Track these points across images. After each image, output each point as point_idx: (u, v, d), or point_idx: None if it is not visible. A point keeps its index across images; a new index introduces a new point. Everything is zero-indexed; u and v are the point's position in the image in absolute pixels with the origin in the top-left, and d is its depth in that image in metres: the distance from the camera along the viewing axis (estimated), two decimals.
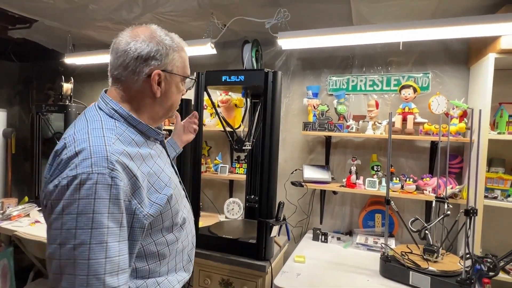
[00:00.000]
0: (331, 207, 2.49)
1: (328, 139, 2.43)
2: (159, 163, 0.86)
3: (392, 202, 1.78)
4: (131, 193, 0.73)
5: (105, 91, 0.87)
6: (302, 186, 2.28)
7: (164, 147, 0.99)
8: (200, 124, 1.91)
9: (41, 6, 2.06)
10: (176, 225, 0.89)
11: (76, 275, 0.65)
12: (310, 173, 2.35)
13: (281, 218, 1.78)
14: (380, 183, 2.16)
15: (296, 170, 2.42)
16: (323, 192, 2.45)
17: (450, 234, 1.81)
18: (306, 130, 2.29)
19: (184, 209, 0.96)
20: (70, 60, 2.69)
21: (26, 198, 2.73)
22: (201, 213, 2.68)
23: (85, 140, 0.72)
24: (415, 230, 1.78)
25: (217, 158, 2.63)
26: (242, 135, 1.99)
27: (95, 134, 0.74)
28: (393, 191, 2.10)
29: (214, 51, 2.21)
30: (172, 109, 0.92)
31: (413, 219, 1.84)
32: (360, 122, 2.23)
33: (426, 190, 2.04)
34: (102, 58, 2.55)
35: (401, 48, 1.81)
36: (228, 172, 2.60)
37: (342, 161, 2.45)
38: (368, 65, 2.36)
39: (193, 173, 1.94)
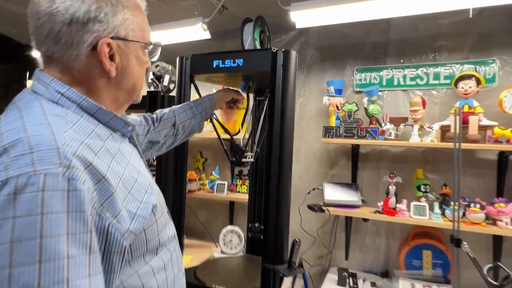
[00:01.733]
0: (360, 238, 1.91)
1: (355, 149, 1.87)
2: (134, 163, 0.65)
3: (465, 243, 1.19)
4: (100, 202, 0.51)
5: (41, 70, 0.62)
6: (323, 211, 1.71)
7: (135, 145, 0.74)
8: None
9: None
10: (162, 246, 0.67)
11: None
12: (333, 193, 1.79)
13: (296, 264, 1.21)
14: (431, 209, 1.58)
15: (314, 189, 1.86)
16: (348, 219, 1.87)
17: None
18: (328, 137, 1.74)
19: (170, 223, 0.74)
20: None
21: None
22: (192, 242, 2.13)
23: (19, 129, 0.50)
24: (497, 283, 1.20)
25: (213, 173, 2.09)
26: (242, 143, 1.45)
27: (35, 122, 0.52)
28: (451, 220, 1.52)
29: (207, 35, 1.70)
30: (137, 90, 0.71)
31: (491, 265, 1.26)
32: (401, 126, 1.67)
33: (501, 221, 1.45)
34: None
35: (470, 16, 1.26)
36: (227, 190, 2.06)
37: (375, 178, 1.87)
38: (408, 53, 1.81)
39: (175, 190, 1.42)
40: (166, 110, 1.13)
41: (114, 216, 0.53)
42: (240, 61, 1.28)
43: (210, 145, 2.32)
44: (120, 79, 0.65)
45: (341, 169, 1.96)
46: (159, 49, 0.84)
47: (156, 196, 0.64)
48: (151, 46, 0.71)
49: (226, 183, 2.05)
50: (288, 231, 1.26)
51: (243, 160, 1.40)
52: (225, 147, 1.42)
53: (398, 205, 1.64)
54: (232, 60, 1.29)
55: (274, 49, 1.22)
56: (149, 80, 1.90)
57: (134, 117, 0.99)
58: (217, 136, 1.95)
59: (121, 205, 0.54)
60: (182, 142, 1.19)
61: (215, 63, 1.32)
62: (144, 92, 2.24)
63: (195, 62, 1.37)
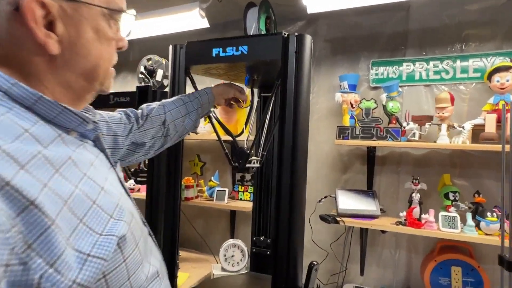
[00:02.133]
0: (377, 250, 1.70)
1: (371, 151, 1.67)
2: (94, 176, 0.45)
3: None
4: (27, 243, 0.33)
5: None
6: (337, 222, 1.51)
7: (103, 150, 0.54)
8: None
9: None
10: None
11: None
12: (348, 202, 1.59)
13: None
14: (463, 220, 1.38)
15: (325, 197, 1.66)
16: (364, 230, 1.67)
17: None
18: (342, 138, 1.54)
19: (151, 256, 0.54)
20: None
21: None
22: (189, 255, 1.92)
23: None
24: None
25: (212, 178, 1.89)
26: (245, 145, 1.26)
27: None
28: (487, 234, 1.32)
29: (205, 23, 1.50)
30: (99, 75, 0.50)
31: None
32: (427, 125, 1.47)
33: None
34: None
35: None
36: (228, 198, 1.85)
37: (394, 184, 1.67)
38: (430, 43, 1.62)
39: (167, 200, 1.22)
40: (155, 105, 0.93)
41: (51, 263, 0.35)
42: (244, 49, 1.08)
43: (209, 147, 2.11)
44: (69, 58, 0.45)
45: (355, 174, 1.76)
46: (131, 21, 0.63)
47: (125, 223, 0.46)
48: (122, 15, 0.52)
49: (226, 190, 1.84)
50: (303, 249, 1.06)
51: (248, 165, 1.20)
52: (226, 150, 1.21)
53: (423, 216, 1.43)
54: (235, 48, 1.10)
55: (285, 34, 1.02)
56: (140, 75, 1.70)
57: (112, 114, 0.79)
58: (216, 138, 1.75)
59: (64, 244, 0.37)
60: (174, 143, 0.99)
61: (214, 51, 1.12)
62: (132, 87, 1.99)
63: (191, 51, 1.17)
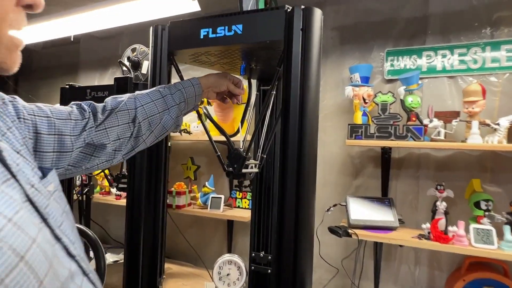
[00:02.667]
0: (393, 266, 1.49)
1: (386, 153, 1.46)
2: None
3: None
4: None
5: None
6: (349, 235, 1.30)
7: None
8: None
9: None
10: None
11: None
12: (361, 211, 1.38)
13: None
14: (499, 234, 1.17)
15: (335, 205, 1.45)
16: (378, 243, 1.46)
17: None
18: (354, 138, 1.33)
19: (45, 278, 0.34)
20: None
21: None
22: (181, 269, 1.72)
23: None
24: None
25: (206, 184, 1.68)
26: (242, 147, 1.05)
27: None
28: None
29: (195, 6, 1.30)
30: None
31: None
32: (454, 122, 1.26)
33: None
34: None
35: None
36: (225, 205, 1.65)
37: (413, 191, 1.46)
38: (454, 29, 1.41)
39: (148, 208, 1.03)
40: (124, 97, 0.73)
41: None
42: (238, 28, 0.88)
43: (203, 149, 1.91)
44: None
45: (368, 179, 1.55)
46: None
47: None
48: None
49: (222, 197, 1.64)
50: (312, 268, 0.87)
51: (244, 170, 1.00)
52: (219, 153, 1.01)
53: (450, 228, 1.23)
54: (227, 27, 0.90)
55: (288, 7, 0.82)
56: (124, 68, 1.50)
57: (59, 108, 0.59)
58: (217, 137, 1.55)
59: None
60: (150, 145, 0.79)
61: (202, 32, 0.92)
62: (106, 80, 1.70)
63: (175, 33, 0.97)
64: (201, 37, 0.91)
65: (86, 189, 1.89)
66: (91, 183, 1.90)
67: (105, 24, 1.59)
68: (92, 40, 2.33)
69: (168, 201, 1.72)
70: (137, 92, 0.77)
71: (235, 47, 0.90)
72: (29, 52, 2.71)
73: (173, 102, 0.78)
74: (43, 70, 2.69)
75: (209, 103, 1.68)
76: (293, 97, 0.81)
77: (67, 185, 1.55)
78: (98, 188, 2.06)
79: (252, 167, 1.03)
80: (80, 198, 1.91)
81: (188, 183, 1.82)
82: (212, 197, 1.64)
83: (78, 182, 1.91)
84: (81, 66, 2.46)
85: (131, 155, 0.74)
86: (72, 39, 1.86)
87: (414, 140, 1.25)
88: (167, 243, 1.97)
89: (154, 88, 0.80)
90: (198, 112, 1.01)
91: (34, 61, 2.74)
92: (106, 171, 1.67)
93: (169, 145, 1.54)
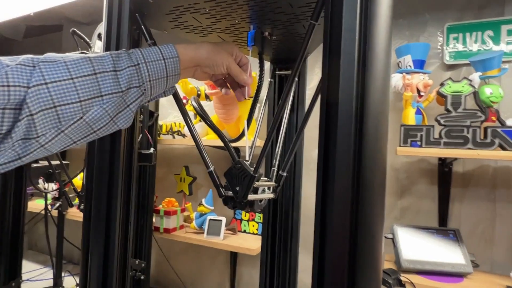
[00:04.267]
0: None
1: (445, 165, 1.06)
2: None
3: None
4: None
5: None
6: (402, 285, 0.90)
7: None
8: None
9: None
10: None
11: None
12: (415, 247, 0.98)
13: None
14: None
15: None
16: None
17: None
18: (410, 145, 0.94)
19: None
20: None
21: None
22: None
23: None
24: None
25: (203, 201, 1.30)
26: (248, 157, 0.66)
27: None
28: None
29: None
30: None
31: None
32: None
33: None
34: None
35: None
36: (226, 229, 1.27)
37: (486, 218, 1.05)
38: None
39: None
40: (10, 62, 0.36)
41: None
42: None
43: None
44: None
45: (418, 200, 1.15)
46: None
47: None
48: None
49: (223, 219, 1.25)
50: None
51: (251, 196, 0.61)
52: (212, 169, 0.65)
53: None
54: None
55: None
56: (95, 50, 1.14)
57: None
58: (214, 143, 1.20)
59: None
60: (62, 150, 0.41)
61: None
62: None
63: None
64: None
65: (58, 204, 1.54)
66: (63, 196, 1.55)
67: None
68: (75, 27, 2.00)
69: (154, 222, 1.35)
70: (45, 56, 0.40)
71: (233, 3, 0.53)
72: (9, 42, 2.41)
73: (115, 85, 0.41)
74: None
75: (207, 97, 1.31)
76: (344, 77, 0.42)
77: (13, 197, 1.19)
78: (76, 200, 1.71)
79: (264, 191, 0.65)
80: (50, 213, 1.55)
81: (182, 198, 1.44)
82: (210, 219, 1.26)
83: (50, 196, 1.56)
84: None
85: (16, 165, 0.36)
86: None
87: (504, 149, 0.84)
88: (155, 271, 1.61)
89: (82, 55, 0.42)
90: (179, 104, 0.63)
91: (15, 51, 2.42)
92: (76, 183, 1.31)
93: (151, 151, 1.17)
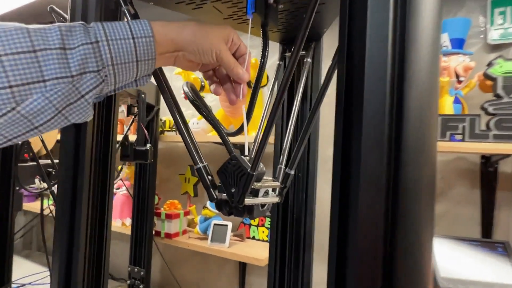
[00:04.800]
0: None
1: (490, 164, 0.89)
2: None
3: None
4: None
5: None
6: None
7: None
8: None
9: None
10: None
11: None
12: (455, 262, 0.81)
13: None
14: None
15: None
16: None
17: None
18: (449, 139, 0.77)
19: None
20: None
21: None
22: None
23: None
24: None
25: (208, 204, 1.18)
26: (249, 154, 0.53)
27: None
28: None
29: None
30: None
31: None
32: None
33: None
34: None
35: None
36: (233, 235, 1.14)
37: None
38: None
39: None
40: None
41: None
42: None
43: (208, 154, 1.40)
44: None
45: (457, 205, 0.98)
46: None
47: None
48: None
49: (229, 224, 1.12)
50: None
51: (248, 201, 0.46)
52: (204, 165, 0.51)
53: None
54: None
55: None
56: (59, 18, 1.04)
57: None
58: (216, 139, 1.07)
59: None
60: (2, 146, 0.30)
61: None
62: None
63: None
64: None
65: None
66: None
67: None
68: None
69: (155, 225, 1.24)
70: None
71: None
72: None
73: (62, 68, 0.30)
74: None
75: (201, 87, 1.18)
76: (371, 54, 0.27)
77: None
78: None
79: (267, 193, 0.53)
80: (52, 213, 1.47)
81: (187, 200, 1.33)
82: (214, 224, 1.13)
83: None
84: None
85: None
86: None
87: None
88: (159, 279, 1.49)
89: (18, 24, 0.30)
90: (162, 93, 0.51)
91: None
92: None
93: (147, 146, 1.05)
